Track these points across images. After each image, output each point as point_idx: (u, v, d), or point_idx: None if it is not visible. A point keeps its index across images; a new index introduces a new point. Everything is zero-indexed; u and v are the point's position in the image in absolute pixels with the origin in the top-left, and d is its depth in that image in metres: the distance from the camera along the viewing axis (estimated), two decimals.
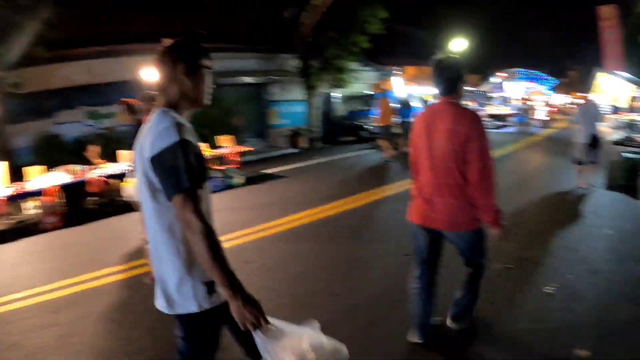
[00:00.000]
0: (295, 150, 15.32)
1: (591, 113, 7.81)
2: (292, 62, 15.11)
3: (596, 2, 17.99)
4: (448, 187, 2.67)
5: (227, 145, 10.56)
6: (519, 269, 4.42)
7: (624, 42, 17.88)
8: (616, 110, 25.40)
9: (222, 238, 1.60)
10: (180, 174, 1.52)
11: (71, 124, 11.58)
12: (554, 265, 4.55)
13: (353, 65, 15.73)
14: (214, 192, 8.47)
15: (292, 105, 15.89)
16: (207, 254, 1.50)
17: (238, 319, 1.54)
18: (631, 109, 23.01)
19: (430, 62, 2.76)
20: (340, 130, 16.97)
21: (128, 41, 12.31)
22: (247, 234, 6.05)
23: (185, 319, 1.72)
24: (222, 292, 1.58)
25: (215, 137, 10.76)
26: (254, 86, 15.80)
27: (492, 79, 26.87)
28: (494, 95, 27.20)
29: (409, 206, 3.00)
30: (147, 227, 1.73)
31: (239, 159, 10.10)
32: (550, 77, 27.71)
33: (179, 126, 1.58)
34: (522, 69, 27.35)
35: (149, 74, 9.66)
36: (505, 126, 21.95)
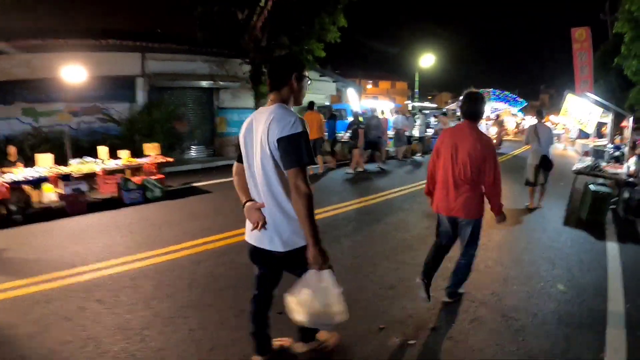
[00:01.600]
0: None
1: (544, 134, 7.48)
2: (245, 68, 13.84)
3: (573, 25, 17.42)
4: (466, 185, 3.59)
5: (150, 154, 9.21)
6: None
7: (597, 66, 17.31)
8: (585, 135, 25.29)
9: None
10: (299, 154, 2.19)
11: (5, 120, 10.46)
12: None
13: (310, 73, 14.54)
14: (129, 205, 7.54)
15: (242, 113, 14.60)
16: (305, 211, 2.19)
17: (312, 260, 2.26)
18: (599, 135, 22.79)
19: (462, 94, 3.67)
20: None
21: (70, 36, 11.23)
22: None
23: (294, 253, 2.38)
24: (309, 241, 2.25)
25: (144, 144, 9.51)
26: (202, 91, 14.50)
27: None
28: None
29: (432, 201, 3.89)
30: (262, 188, 2.36)
31: (156, 170, 8.73)
32: (521, 99, 27.57)
33: (302, 121, 2.27)
34: (495, 90, 27.21)
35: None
36: None
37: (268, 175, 2.32)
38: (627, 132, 20.69)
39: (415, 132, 15.59)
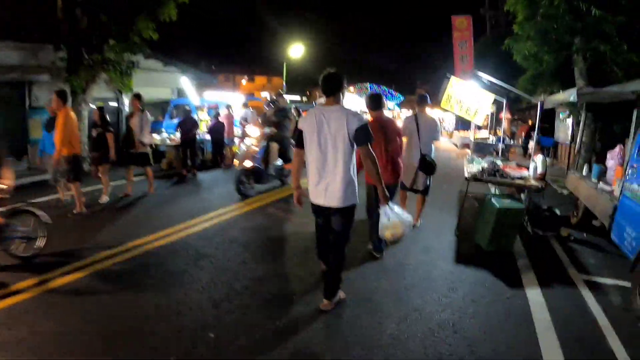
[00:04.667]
0: None
1: (426, 127, 5.76)
2: (56, 57, 10.26)
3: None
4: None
5: None
6: None
7: (476, 58, 16.61)
8: (464, 127, 25.09)
9: None
10: (368, 136, 3.28)
11: None
12: None
13: (149, 63, 11.51)
14: None
15: None
16: (374, 170, 3.33)
17: (382, 198, 3.45)
18: (494, 128, 22.21)
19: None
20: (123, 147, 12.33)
21: None
22: None
23: (349, 208, 3.39)
24: (378, 188, 3.42)
25: None
26: (7, 86, 10.56)
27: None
28: None
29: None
30: (339, 160, 3.29)
31: None
32: (398, 94, 27.43)
33: (363, 115, 3.54)
34: (372, 84, 26.62)
35: None
36: None
37: (340, 153, 3.30)
38: (506, 124, 20.76)
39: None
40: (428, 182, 5.90)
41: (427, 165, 5.64)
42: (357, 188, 3.40)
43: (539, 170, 6.44)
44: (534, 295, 4.05)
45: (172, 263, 4.44)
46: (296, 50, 25.14)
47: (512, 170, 6.27)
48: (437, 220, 6.42)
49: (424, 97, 6.08)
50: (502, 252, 5.06)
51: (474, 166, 6.57)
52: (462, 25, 16.03)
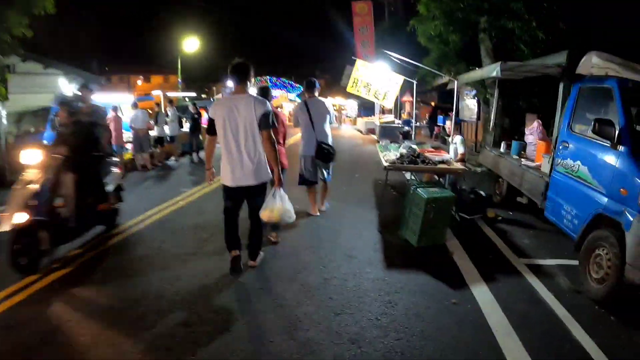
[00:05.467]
0: None
1: (318, 112, 5.38)
2: None
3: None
4: None
5: None
6: None
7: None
8: (366, 113, 25.29)
9: None
10: (270, 121, 3.58)
11: None
12: None
13: (28, 66, 9.85)
14: None
15: None
16: (273, 153, 3.62)
17: (277, 181, 3.69)
18: (399, 111, 22.37)
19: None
20: None
21: None
22: None
23: (262, 185, 3.74)
24: (274, 170, 3.71)
25: None
26: None
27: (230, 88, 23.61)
28: None
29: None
30: (250, 143, 3.59)
31: None
32: (298, 85, 27.64)
33: (269, 102, 3.76)
34: (272, 77, 26.66)
35: None
36: None
37: (253, 136, 3.60)
38: (408, 106, 21.02)
39: (167, 130, 11.41)
40: (329, 171, 5.54)
41: (324, 154, 5.24)
42: (267, 166, 3.75)
43: (460, 150, 6.05)
44: (482, 295, 3.51)
45: None
46: (191, 44, 23.34)
47: (432, 154, 5.74)
48: (355, 216, 5.72)
49: (311, 83, 5.55)
50: (435, 246, 4.48)
51: (390, 153, 5.92)
52: (362, 10, 15.78)
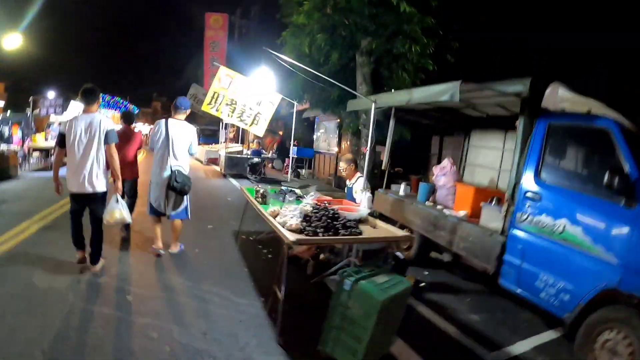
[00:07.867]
0: None
1: (180, 136, 4.59)
2: None
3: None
4: None
5: None
6: None
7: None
8: (207, 140, 22.90)
9: None
10: (113, 138, 3.92)
11: None
12: None
13: None
14: None
15: None
16: (115, 165, 3.93)
17: (117, 188, 4.00)
18: (248, 140, 20.29)
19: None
20: None
21: None
22: None
23: (101, 194, 3.95)
24: (116, 179, 3.99)
25: None
26: None
27: (51, 101, 18.29)
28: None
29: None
30: (85, 157, 3.84)
31: None
32: (132, 106, 25.16)
33: (110, 122, 4.02)
34: (105, 95, 24.39)
35: None
36: None
37: (94, 149, 3.87)
38: (252, 135, 19.39)
39: None
40: (185, 203, 4.67)
41: (178, 185, 4.45)
42: (107, 178, 4.03)
43: (365, 199, 4.54)
44: None
45: None
46: (12, 41, 17.22)
47: (345, 210, 3.80)
48: (228, 310, 3.49)
49: (178, 102, 4.73)
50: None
51: (287, 213, 3.55)
52: (217, 23, 13.96)
